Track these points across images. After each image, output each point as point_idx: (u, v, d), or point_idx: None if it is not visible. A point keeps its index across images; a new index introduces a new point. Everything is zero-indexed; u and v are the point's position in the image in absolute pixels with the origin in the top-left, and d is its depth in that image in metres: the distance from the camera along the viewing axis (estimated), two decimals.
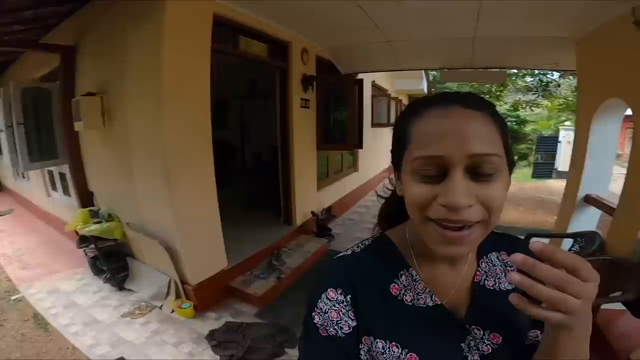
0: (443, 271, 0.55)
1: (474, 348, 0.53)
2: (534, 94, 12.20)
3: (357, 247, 0.59)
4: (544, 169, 9.57)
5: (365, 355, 0.52)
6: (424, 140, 0.45)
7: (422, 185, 0.45)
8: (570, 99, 10.72)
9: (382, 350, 0.51)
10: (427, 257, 0.54)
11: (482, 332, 0.54)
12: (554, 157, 9.49)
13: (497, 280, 0.57)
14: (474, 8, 2.54)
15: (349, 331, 0.52)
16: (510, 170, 0.48)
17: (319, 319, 0.53)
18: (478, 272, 0.57)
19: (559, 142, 9.40)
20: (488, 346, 0.54)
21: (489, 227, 0.46)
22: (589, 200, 2.53)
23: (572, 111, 9.98)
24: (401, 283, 0.54)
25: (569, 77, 10.55)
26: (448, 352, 0.52)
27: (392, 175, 0.55)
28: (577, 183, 2.60)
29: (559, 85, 11.77)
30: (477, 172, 0.43)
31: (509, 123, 6.24)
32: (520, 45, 3.34)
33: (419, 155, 0.45)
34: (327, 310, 0.53)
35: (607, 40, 2.29)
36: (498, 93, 12.55)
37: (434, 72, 9.36)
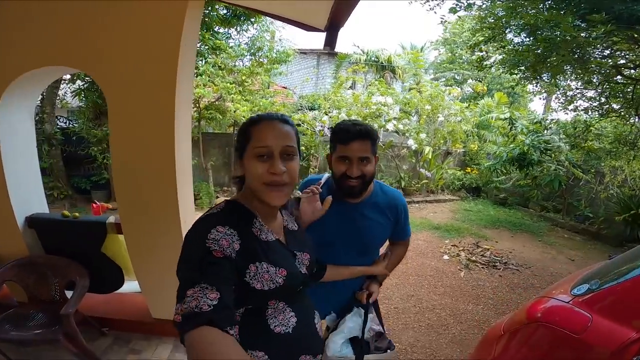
0: (273, 220, 0.87)
1: (302, 264, 0.87)
2: None
3: (216, 209, 0.79)
4: None
5: (251, 278, 0.73)
6: (260, 137, 0.76)
7: (259, 162, 0.76)
8: None
9: (266, 269, 0.75)
10: (264, 212, 0.84)
11: (301, 253, 0.88)
12: None
13: (291, 224, 0.95)
14: None
15: (236, 254, 0.71)
16: (300, 156, 0.84)
17: (213, 245, 0.67)
18: (284, 221, 0.92)
19: None
20: (307, 261, 0.89)
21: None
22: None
23: None
24: (256, 227, 0.81)
25: None
26: (294, 268, 0.83)
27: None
28: None
29: None
30: (285, 155, 0.77)
31: None
32: None
33: (257, 145, 0.76)
34: (219, 239, 0.69)
35: None
36: None
37: None
